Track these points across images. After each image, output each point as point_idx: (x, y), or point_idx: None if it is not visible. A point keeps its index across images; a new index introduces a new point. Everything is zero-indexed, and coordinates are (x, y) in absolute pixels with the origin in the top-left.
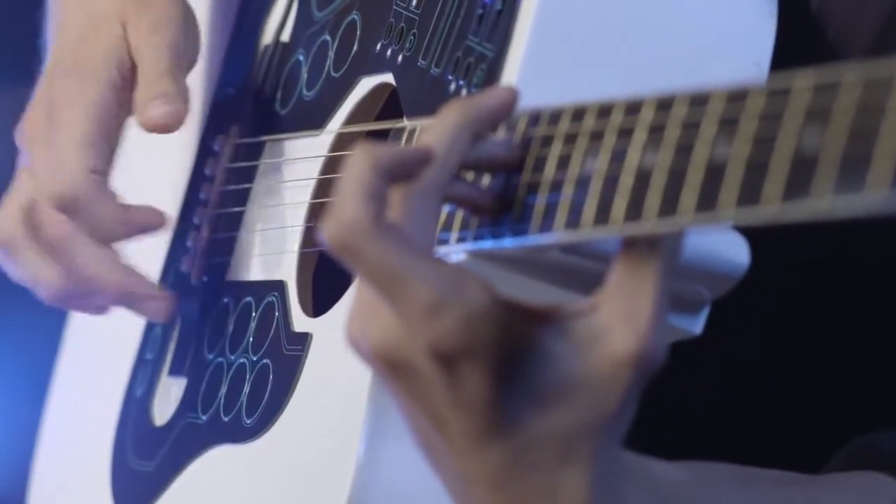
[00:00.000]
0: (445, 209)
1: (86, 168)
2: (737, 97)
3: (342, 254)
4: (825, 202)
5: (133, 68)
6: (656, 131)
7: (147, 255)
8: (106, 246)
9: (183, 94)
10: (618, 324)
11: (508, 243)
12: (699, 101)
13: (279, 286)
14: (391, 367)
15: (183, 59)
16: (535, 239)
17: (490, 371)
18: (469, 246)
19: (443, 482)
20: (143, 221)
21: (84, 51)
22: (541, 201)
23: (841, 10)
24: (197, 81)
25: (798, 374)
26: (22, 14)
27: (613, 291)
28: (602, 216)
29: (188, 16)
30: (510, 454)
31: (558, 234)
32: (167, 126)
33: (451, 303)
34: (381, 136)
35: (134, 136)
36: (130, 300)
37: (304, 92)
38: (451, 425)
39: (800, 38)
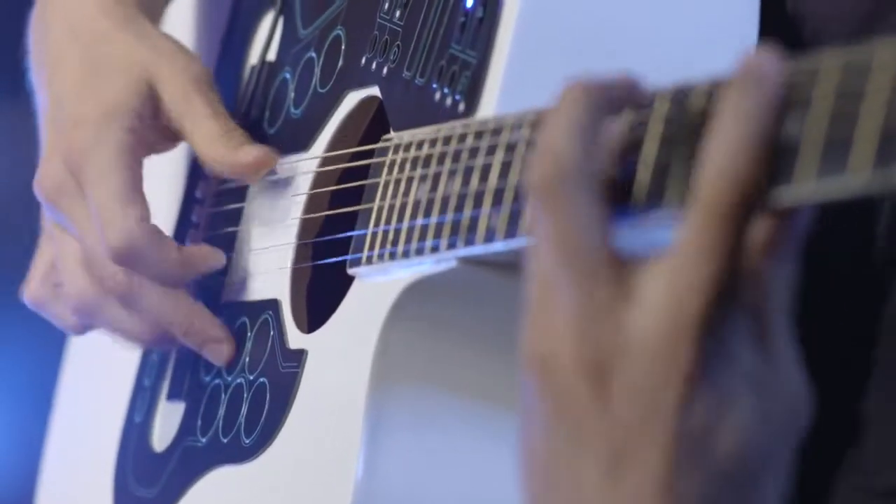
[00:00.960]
0: (434, 221)
1: (135, 218)
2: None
3: (547, 193)
4: (809, 187)
5: (154, 110)
6: (641, 125)
7: None
8: (172, 288)
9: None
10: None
11: (499, 247)
12: (680, 97)
13: (273, 304)
14: (590, 366)
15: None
16: (524, 241)
17: (721, 406)
18: (460, 252)
19: None
20: (203, 261)
21: (94, 97)
22: None
23: (815, 11)
24: None
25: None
26: (16, 26)
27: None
28: None
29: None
30: (709, 483)
31: None
32: (262, 168)
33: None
34: (368, 150)
35: None
36: (198, 341)
37: (292, 110)
38: (627, 463)
39: (777, 39)
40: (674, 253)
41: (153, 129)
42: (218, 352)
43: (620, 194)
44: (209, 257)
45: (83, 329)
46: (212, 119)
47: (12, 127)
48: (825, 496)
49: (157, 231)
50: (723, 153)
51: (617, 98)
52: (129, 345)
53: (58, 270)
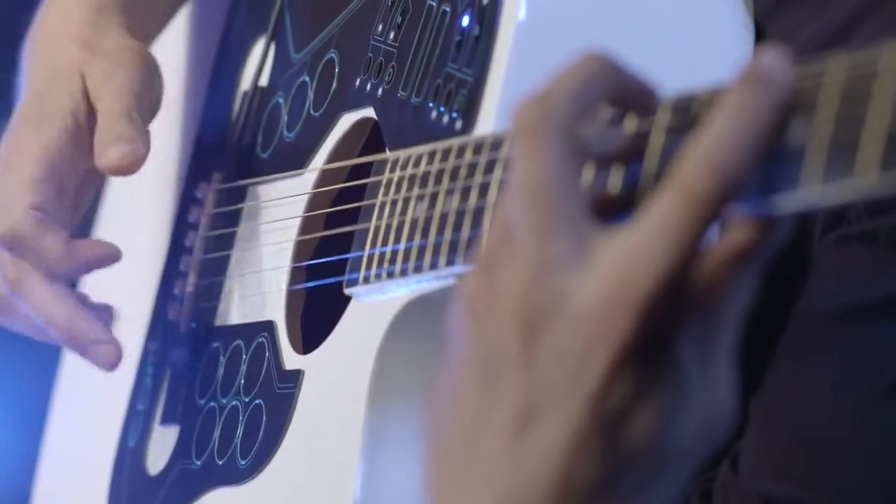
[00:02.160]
0: (432, 239)
1: (27, 206)
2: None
3: (529, 134)
4: (815, 191)
5: (92, 115)
6: (641, 138)
7: (135, 304)
8: (57, 284)
9: (141, 136)
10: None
11: None
12: (683, 105)
13: (268, 326)
14: (526, 322)
15: (141, 103)
16: None
17: (644, 389)
18: (459, 269)
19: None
20: (90, 255)
21: (44, 102)
22: None
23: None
24: (176, 130)
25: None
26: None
27: None
28: None
29: (146, 60)
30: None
31: None
32: (126, 168)
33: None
34: (365, 170)
35: (117, 187)
36: (78, 343)
37: (286, 134)
38: (551, 421)
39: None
40: (637, 226)
41: (91, 133)
42: (102, 354)
43: (623, 205)
44: (98, 250)
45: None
46: (109, 105)
47: None
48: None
49: (45, 221)
50: (716, 141)
51: (629, 92)
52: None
53: None
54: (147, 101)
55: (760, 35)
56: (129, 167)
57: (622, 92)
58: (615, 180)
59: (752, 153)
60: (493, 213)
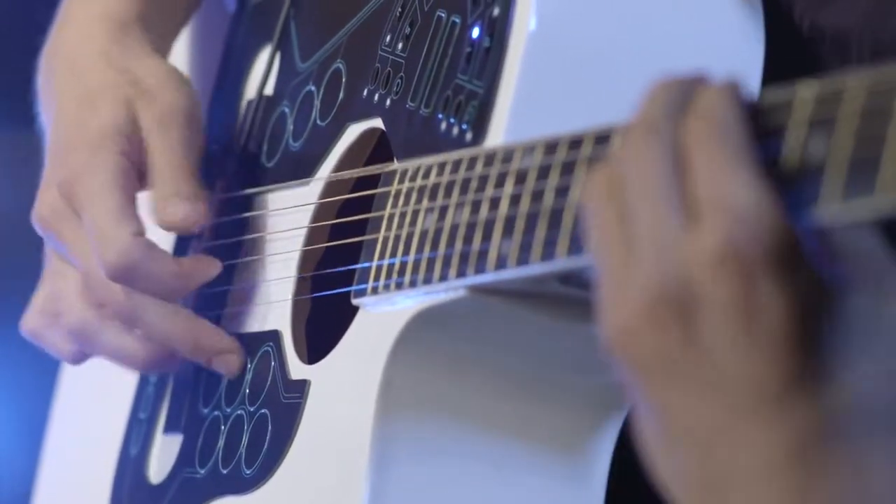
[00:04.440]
0: (442, 250)
1: (130, 233)
2: None
3: (645, 129)
4: (835, 209)
5: (142, 144)
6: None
7: None
8: (171, 303)
9: (200, 193)
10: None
11: (511, 274)
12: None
13: (274, 336)
14: (671, 313)
15: (194, 151)
16: (536, 268)
17: (796, 291)
18: (470, 281)
19: (682, 483)
20: (199, 271)
21: (85, 124)
22: (541, 231)
23: (834, 23)
24: None
25: None
26: (21, 57)
27: None
28: None
29: (193, 100)
30: (823, 418)
31: (561, 262)
32: (189, 226)
33: (747, 202)
34: (372, 180)
35: None
36: (205, 355)
37: (291, 143)
38: (744, 372)
39: (791, 57)
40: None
41: (140, 156)
42: (227, 362)
43: None
44: (207, 266)
45: (81, 357)
46: (168, 159)
47: (12, 162)
48: None
49: (152, 245)
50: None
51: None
52: (129, 369)
53: (56, 300)
54: (196, 144)
55: (801, 31)
56: (191, 226)
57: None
58: None
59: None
60: (600, 242)
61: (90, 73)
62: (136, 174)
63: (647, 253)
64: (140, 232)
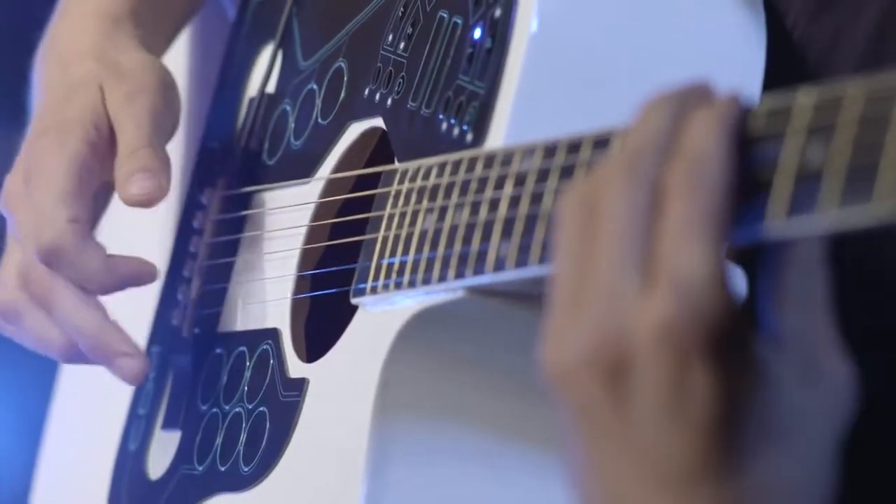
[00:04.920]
0: (441, 251)
1: (66, 218)
2: None
3: (628, 164)
4: (832, 215)
5: (111, 131)
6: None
7: (137, 309)
8: (89, 296)
9: (164, 168)
10: (830, 349)
11: (510, 276)
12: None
13: (273, 334)
14: (605, 371)
15: (162, 129)
16: (535, 270)
17: (726, 378)
18: (468, 282)
19: None
20: (130, 272)
21: (61, 113)
22: (539, 233)
23: (823, 34)
24: (181, 136)
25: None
26: (16, 57)
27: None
28: None
29: (167, 83)
30: (735, 499)
31: None
32: (149, 201)
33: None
34: (372, 180)
35: None
36: (105, 355)
37: (292, 141)
38: (661, 448)
39: (782, 66)
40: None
41: (109, 145)
42: (126, 367)
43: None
44: (140, 268)
45: (9, 334)
46: (133, 133)
47: (15, 152)
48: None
49: (86, 234)
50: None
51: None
52: (52, 356)
53: None
54: (167, 124)
55: (796, 47)
56: (151, 201)
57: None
58: None
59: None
60: (555, 275)
61: (75, 66)
62: (100, 165)
63: (599, 304)
64: (76, 219)
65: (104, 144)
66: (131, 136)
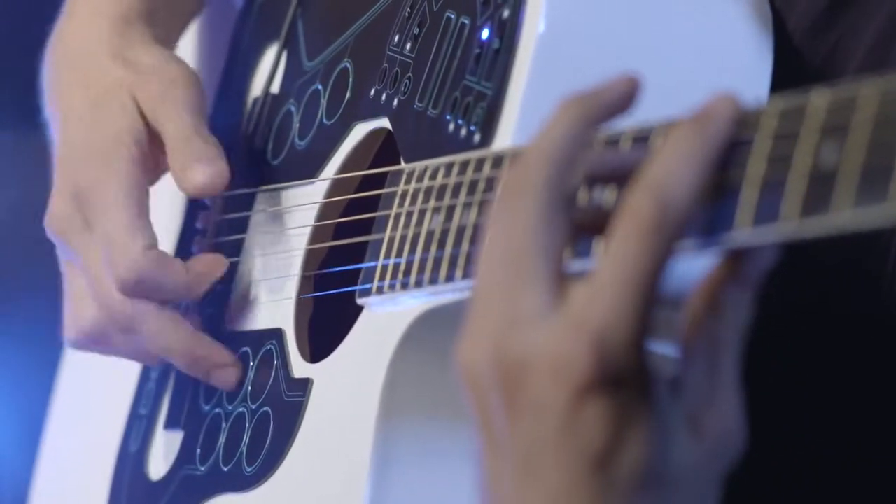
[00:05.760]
0: (449, 251)
1: (140, 248)
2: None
3: (502, 198)
4: (846, 216)
5: (152, 138)
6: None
7: None
8: (173, 313)
9: (218, 152)
10: (723, 400)
11: None
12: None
13: (277, 334)
14: (504, 381)
15: (200, 116)
16: None
17: (618, 418)
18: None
19: None
20: (207, 273)
21: (96, 132)
22: None
23: (826, 40)
24: None
25: (776, 412)
26: (23, 56)
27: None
28: None
29: (190, 72)
30: None
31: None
32: (215, 187)
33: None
34: (377, 180)
35: None
36: (200, 370)
37: (297, 141)
38: (543, 472)
39: (785, 70)
40: (599, 261)
41: (154, 151)
42: (225, 377)
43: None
44: (214, 266)
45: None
46: (177, 127)
47: (13, 161)
48: None
49: (163, 256)
50: (661, 169)
51: (607, 105)
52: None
53: (73, 304)
54: (203, 111)
55: (800, 54)
56: (216, 187)
57: (602, 112)
58: (610, 196)
59: (694, 182)
60: (476, 274)
61: (96, 73)
62: (150, 175)
63: (505, 314)
64: (151, 245)
65: (149, 156)
66: (176, 130)
